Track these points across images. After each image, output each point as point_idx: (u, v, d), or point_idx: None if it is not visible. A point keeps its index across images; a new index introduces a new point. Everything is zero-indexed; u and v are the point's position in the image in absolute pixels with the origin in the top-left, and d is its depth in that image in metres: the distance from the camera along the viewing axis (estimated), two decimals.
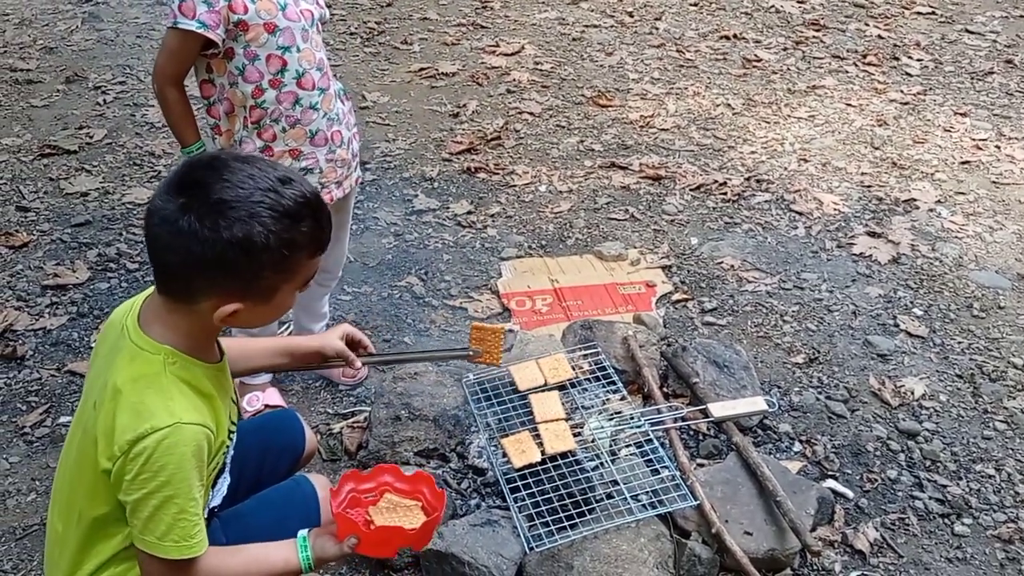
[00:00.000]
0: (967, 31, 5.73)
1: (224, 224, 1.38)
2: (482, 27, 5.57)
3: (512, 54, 5.16)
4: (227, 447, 1.66)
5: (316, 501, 1.83)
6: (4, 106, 4.46)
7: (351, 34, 5.36)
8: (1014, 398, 2.73)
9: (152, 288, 1.57)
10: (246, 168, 1.44)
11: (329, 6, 2.46)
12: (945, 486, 2.42)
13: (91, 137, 4.16)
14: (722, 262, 3.34)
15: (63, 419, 2.60)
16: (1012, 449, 2.56)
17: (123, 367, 1.48)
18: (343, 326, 1.95)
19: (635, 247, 3.41)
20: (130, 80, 4.73)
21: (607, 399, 2.50)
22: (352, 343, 1.95)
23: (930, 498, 2.38)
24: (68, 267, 3.25)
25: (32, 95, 4.57)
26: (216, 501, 1.73)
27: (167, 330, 1.50)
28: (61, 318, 3.01)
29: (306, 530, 1.71)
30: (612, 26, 5.66)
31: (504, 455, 2.28)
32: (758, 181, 3.89)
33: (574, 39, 5.44)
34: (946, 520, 2.33)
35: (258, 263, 1.43)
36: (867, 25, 5.74)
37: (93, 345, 2.85)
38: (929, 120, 4.51)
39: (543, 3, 6.02)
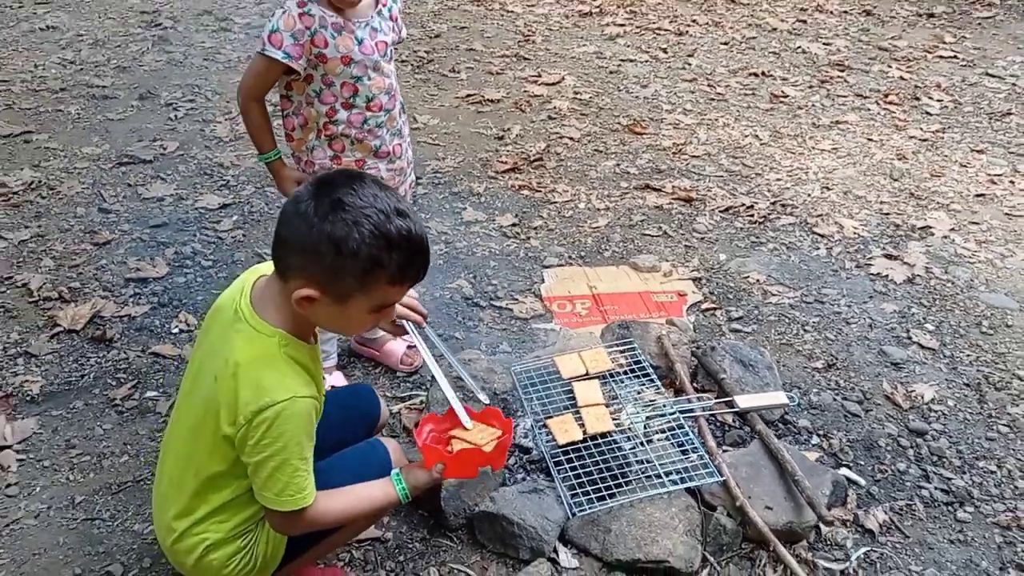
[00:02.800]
0: (988, 74, 5.99)
1: (331, 219, 1.62)
2: (524, 59, 5.91)
3: (553, 84, 5.49)
4: (319, 414, 1.95)
5: (389, 460, 2.10)
6: (83, 119, 4.82)
7: (403, 62, 5.71)
8: (1017, 405, 2.96)
9: (254, 273, 1.87)
10: (376, 189, 1.68)
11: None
12: (950, 479, 2.65)
13: (164, 149, 4.50)
14: (748, 276, 3.60)
15: (149, 393, 2.88)
16: (1014, 449, 2.78)
17: (242, 347, 1.75)
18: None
19: (667, 260, 3.68)
20: (199, 99, 5.08)
21: (642, 390, 2.75)
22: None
23: (936, 488, 2.61)
24: (148, 262, 3.56)
25: (108, 109, 4.94)
26: None
27: (279, 314, 1.77)
28: (143, 307, 3.30)
29: (396, 468, 2.01)
30: (647, 61, 5.99)
31: (549, 434, 2.54)
32: (783, 205, 4.16)
33: (611, 72, 5.76)
34: (950, 508, 2.56)
35: (342, 264, 1.64)
36: (890, 67, 6.02)
37: (175, 331, 3.16)
38: (947, 156, 4.77)
39: (582, 38, 6.36)
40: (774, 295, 3.50)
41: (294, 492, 1.78)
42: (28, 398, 2.83)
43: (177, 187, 4.15)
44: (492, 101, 5.21)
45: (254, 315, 1.78)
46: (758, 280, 3.58)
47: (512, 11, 6.88)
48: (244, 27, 6.25)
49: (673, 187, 4.27)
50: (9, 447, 2.63)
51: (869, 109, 5.35)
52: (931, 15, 7.17)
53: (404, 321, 2.14)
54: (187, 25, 6.30)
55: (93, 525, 2.40)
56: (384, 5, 2.59)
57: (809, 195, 4.28)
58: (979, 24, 7.03)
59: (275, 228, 1.73)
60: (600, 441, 2.52)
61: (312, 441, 1.82)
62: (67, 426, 2.74)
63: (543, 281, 3.51)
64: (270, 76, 2.53)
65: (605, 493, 2.37)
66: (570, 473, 2.43)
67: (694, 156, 4.63)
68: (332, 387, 2.89)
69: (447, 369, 2.46)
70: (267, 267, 1.85)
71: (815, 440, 2.76)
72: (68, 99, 5.05)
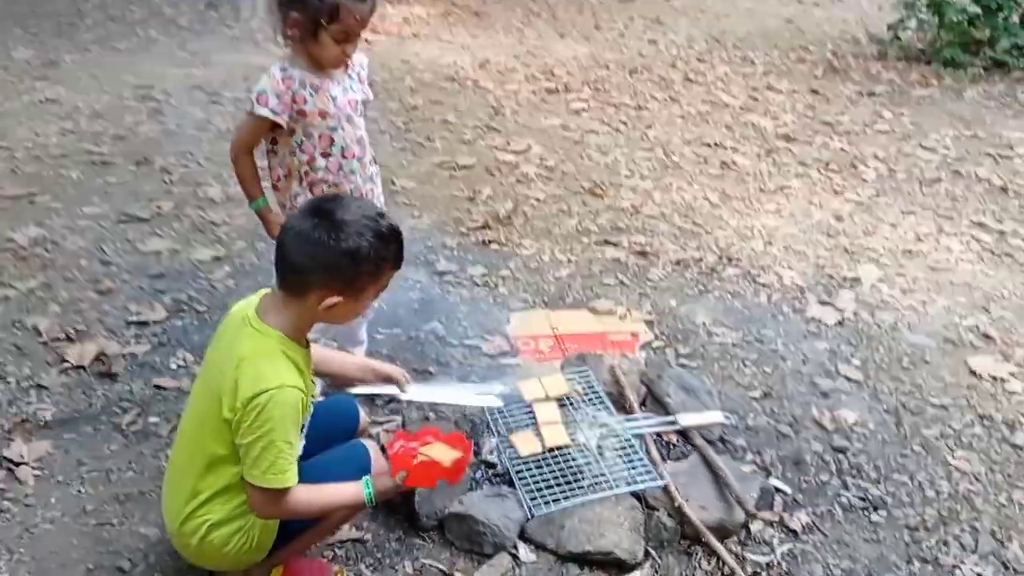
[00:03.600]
0: (921, 146, 6.52)
1: (343, 237, 2.03)
2: (495, 129, 6.38)
3: (521, 152, 5.94)
4: (309, 411, 2.28)
5: (368, 458, 2.43)
6: (83, 182, 5.18)
7: (381, 132, 6.16)
8: (930, 428, 3.33)
9: (263, 292, 2.23)
10: (357, 203, 2.15)
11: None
12: (867, 488, 2.99)
13: (160, 208, 4.86)
14: (695, 320, 3.98)
15: (152, 419, 3.17)
16: (925, 465, 3.14)
17: (247, 344, 2.12)
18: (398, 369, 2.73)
19: (623, 305, 4.06)
20: (192, 164, 5.47)
21: (596, 414, 3.09)
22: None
23: (854, 496, 2.95)
24: (148, 307, 3.88)
25: (107, 174, 5.30)
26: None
27: (280, 319, 2.14)
28: (145, 346, 3.61)
29: (368, 475, 2.33)
30: (608, 132, 6.48)
31: (511, 447, 2.88)
32: (729, 259, 4.58)
33: (575, 141, 6.24)
34: (865, 512, 2.90)
35: (359, 268, 2.07)
36: (831, 139, 6.55)
37: (174, 366, 3.47)
38: (879, 217, 5.23)
39: (548, 111, 6.86)
40: (718, 335, 3.88)
41: (278, 472, 2.09)
42: (41, 423, 3.12)
43: (173, 242, 4.49)
44: (464, 167, 5.65)
45: (258, 320, 2.14)
46: (704, 323, 3.96)
47: (484, 87, 7.39)
48: (233, 100, 6.69)
49: (630, 242, 4.68)
50: (26, 463, 2.91)
51: (811, 176, 5.84)
52: (872, 94, 7.77)
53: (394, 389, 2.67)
54: (179, 99, 6.73)
55: (103, 529, 2.68)
56: (353, 68, 3.03)
57: (753, 250, 4.71)
58: (917, 102, 7.63)
59: (283, 260, 2.10)
60: (557, 454, 2.85)
61: (297, 428, 2.15)
62: (78, 447, 3.02)
63: (509, 323, 3.87)
64: (259, 131, 2.95)
65: (560, 496, 2.69)
66: (530, 480, 2.76)
67: (650, 216, 5.06)
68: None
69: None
70: (269, 289, 2.22)
71: (749, 457, 3.10)
72: (69, 164, 5.41)
